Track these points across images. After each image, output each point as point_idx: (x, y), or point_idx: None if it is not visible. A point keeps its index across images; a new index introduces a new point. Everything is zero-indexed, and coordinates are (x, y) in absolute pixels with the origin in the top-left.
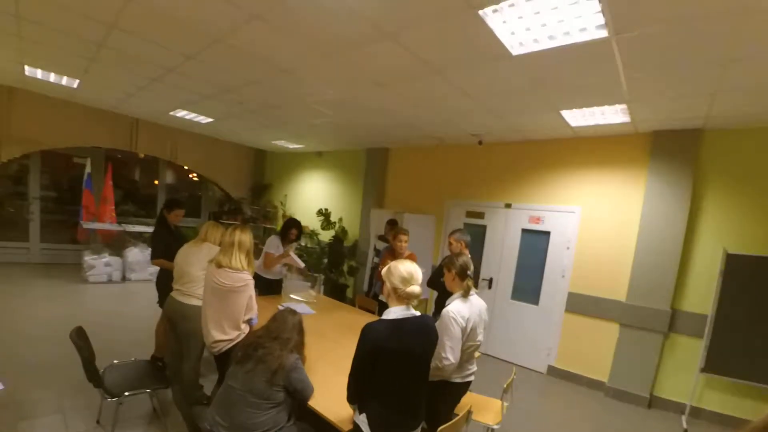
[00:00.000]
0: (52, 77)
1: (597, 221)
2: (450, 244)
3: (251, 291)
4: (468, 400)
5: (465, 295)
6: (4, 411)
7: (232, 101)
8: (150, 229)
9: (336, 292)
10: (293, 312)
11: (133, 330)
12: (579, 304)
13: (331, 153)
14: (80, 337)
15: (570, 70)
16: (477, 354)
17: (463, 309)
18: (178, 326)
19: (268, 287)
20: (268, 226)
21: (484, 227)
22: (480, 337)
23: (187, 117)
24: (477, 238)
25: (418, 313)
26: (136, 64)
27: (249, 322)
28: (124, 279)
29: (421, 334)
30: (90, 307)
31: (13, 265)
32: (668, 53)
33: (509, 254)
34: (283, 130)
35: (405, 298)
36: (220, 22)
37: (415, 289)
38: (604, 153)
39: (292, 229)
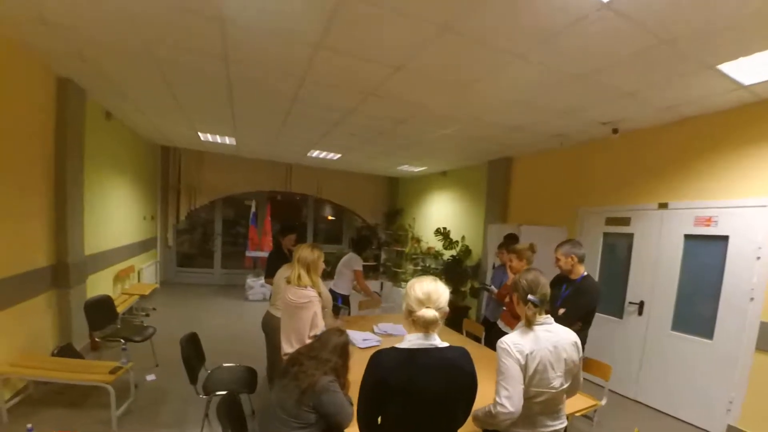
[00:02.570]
0: (218, 138)
1: None
2: (557, 260)
3: (316, 308)
4: None
5: (528, 324)
6: (153, 395)
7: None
8: None
9: (456, 315)
10: (341, 333)
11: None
12: None
13: (455, 171)
14: (189, 342)
15: None
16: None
17: (521, 341)
18: (270, 337)
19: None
20: (399, 249)
21: (630, 236)
22: (556, 382)
23: (321, 156)
24: (621, 250)
25: (442, 344)
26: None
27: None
28: None
29: (441, 371)
30: (244, 319)
31: (202, 285)
32: None
33: (667, 269)
34: (405, 153)
35: (421, 325)
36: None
37: (426, 313)
38: None
39: (369, 241)
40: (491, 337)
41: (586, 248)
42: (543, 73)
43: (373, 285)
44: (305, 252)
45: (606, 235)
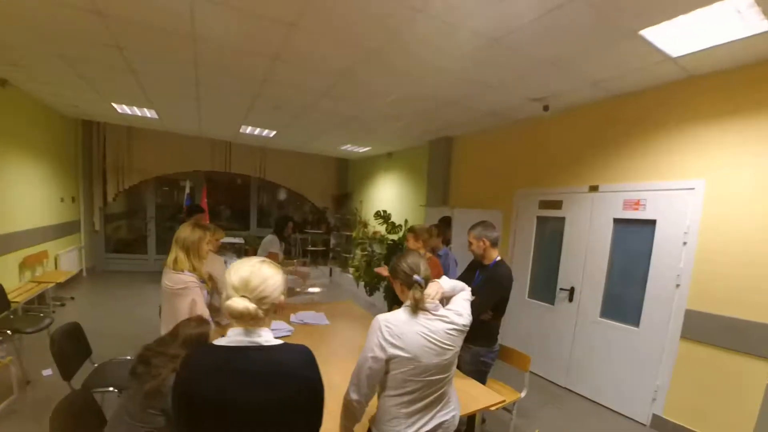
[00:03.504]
0: (137, 111)
1: (732, 201)
2: (469, 244)
3: (194, 294)
4: None
5: (413, 310)
6: (47, 391)
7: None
8: (239, 241)
9: (397, 301)
10: (200, 322)
11: None
12: (703, 329)
13: (400, 153)
14: (65, 335)
15: None
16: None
17: (401, 324)
18: None
19: None
20: (348, 233)
21: (561, 220)
22: (434, 376)
23: (255, 133)
24: (554, 235)
25: (271, 342)
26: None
27: None
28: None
29: (261, 378)
30: None
31: (135, 273)
32: None
33: (596, 254)
34: (342, 131)
35: (234, 318)
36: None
37: (235, 303)
38: (738, 95)
39: (288, 224)
40: None
41: (522, 232)
42: (450, 34)
43: (321, 271)
44: (185, 232)
45: (539, 219)
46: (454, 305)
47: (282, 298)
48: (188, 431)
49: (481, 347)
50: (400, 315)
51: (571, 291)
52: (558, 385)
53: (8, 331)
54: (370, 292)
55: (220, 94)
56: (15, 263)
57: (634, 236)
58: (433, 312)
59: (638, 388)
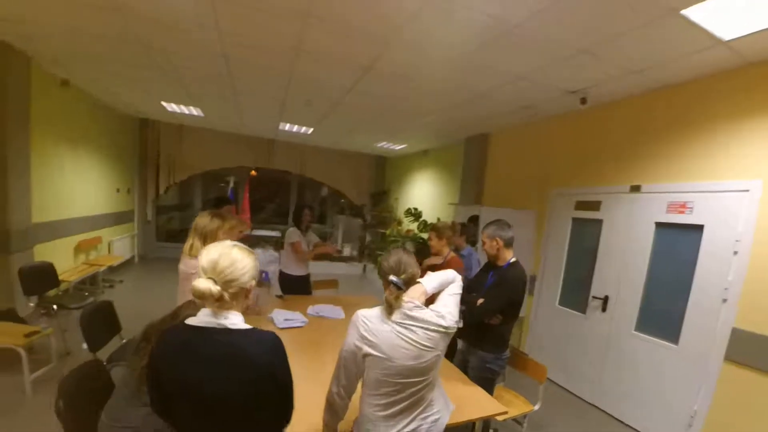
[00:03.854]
0: (184, 109)
1: None
2: (483, 243)
3: None
4: None
5: (388, 311)
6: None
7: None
8: (276, 234)
9: None
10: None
11: None
12: (752, 351)
13: (436, 150)
14: (96, 310)
15: None
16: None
17: (377, 322)
18: None
19: (293, 286)
20: (383, 231)
21: (599, 223)
22: (411, 379)
23: (293, 130)
24: (590, 238)
25: (238, 326)
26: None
27: None
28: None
29: (221, 362)
30: None
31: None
32: None
33: (635, 261)
34: (377, 128)
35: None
36: None
37: (199, 284)
38: None
39: (304, 211)
40: None
41: (555, 235)
42: (468, 20)
43: (356, 267)
44: (203, 220)
45: (575, 220)
46: (437, 304)
47: (253, 283)
48: (160, 407)
49: (487, 352)
50: (377, 312)
51: (605, 300)
52: (583, 399)
53: (54, 306)
54: None
55: (253, 90)
56: (70, 246)
57: (678, 243)
58: (409, 312)
59: (673, 412)
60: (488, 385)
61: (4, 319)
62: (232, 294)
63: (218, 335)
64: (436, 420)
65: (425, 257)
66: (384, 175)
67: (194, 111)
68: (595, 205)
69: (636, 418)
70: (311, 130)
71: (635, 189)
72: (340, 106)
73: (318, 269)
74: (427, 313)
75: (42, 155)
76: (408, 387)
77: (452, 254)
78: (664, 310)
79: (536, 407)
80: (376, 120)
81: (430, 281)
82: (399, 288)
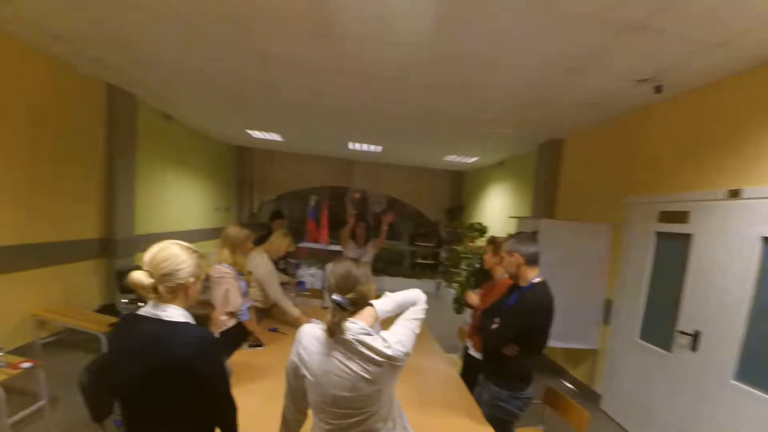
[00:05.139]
0: (266, 135)
1: None
2: (501, 259)
3: (227, 284)
4: None
5: (330, 332)
6: None
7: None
8: None
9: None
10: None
11: None
12: None
13: (511, 161)
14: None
15: None
16: None
17: (315, 343)
18: None
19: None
20: (456, 247)
21: (687, 238)
22: (347, 410)
23: (363, 149)
24: (674, 257)
25: (171, 318)
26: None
27: (235, 316)
28: (322, 288)
29: (140, 346)
30: None
31: None
32: None
33: (734, 287)
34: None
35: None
36: None
37: (133, 273)
38: None
39: (358, 225)
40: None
41: (634, 253)
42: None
43: (428, 284)
44: (234, 230)
45: (659, 235)
46: (389, 330)
47: (191, 280)
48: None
49: (500, 388)
50: (317, 332)
51: (695, 336)
52: None
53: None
54: (458, 310)
55: (315, 114)
56: None
57: None
58: (353, 336)
59: None
60: (502, 428)
61: (104, 311)
62: (169, 288)
63: (146, 324)
64: None
65: (482, 280)
66: (461, 190)
67: (274, 137)
68: (681, 217)
69: None
70: (380, 148)
71: (733, 194)
72: (395, 121)
73: (390, 285)
74: (374, 340)
75: (145, 178)
76: (347, 416)
77: (506, 276)
78: None
79: None
80: (439, 132)
81: (383, 303)
82: (344, 309)
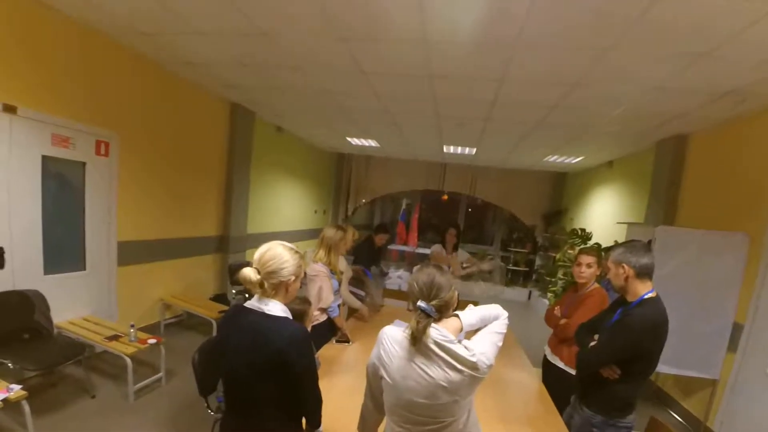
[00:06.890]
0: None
1: None
2: (607, 270)
3: (321, 282)
4: None
5: (411, 341)
6: None
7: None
8: None
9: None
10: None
11: None
12: None
13: (622, 161)
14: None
15: None
16: None
17: (397, 346)
18: None
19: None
20: (552, 254)
21: None
22: (421, 416)
23: (458, 152)
24: None
25: (273, 312)
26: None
27: (327, 312)
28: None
29: (248, 334)
30: None
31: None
32: None
33: None
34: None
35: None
36: None
37: (244, 271)
38: None
39: (448, 230)
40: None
41: None
42: None
43: (520, 293)
44: (330, 232)
45: None
46: (472, 340)
47: (292, 278)
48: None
49: (595, 413)
50: (399, 336)
51: None
52: None
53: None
54: None
55: (411, 118)
56: None
57: None
58: (437, 340)
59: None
60: None
61: (217, 300)
62: (272, 284)
63: (253, 315)
64: None
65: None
66: (562, 193)
67: (372, 143)
68: None
69: None
70: (474, 150)
71: None
72: (487, 122)
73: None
74: (458, 348)
75: (258, 183)
76: (421, 423)
77: (596, 285)
78: None
79: None
80: (536, 131)
81: (468, 316)
82: (428, 316)
